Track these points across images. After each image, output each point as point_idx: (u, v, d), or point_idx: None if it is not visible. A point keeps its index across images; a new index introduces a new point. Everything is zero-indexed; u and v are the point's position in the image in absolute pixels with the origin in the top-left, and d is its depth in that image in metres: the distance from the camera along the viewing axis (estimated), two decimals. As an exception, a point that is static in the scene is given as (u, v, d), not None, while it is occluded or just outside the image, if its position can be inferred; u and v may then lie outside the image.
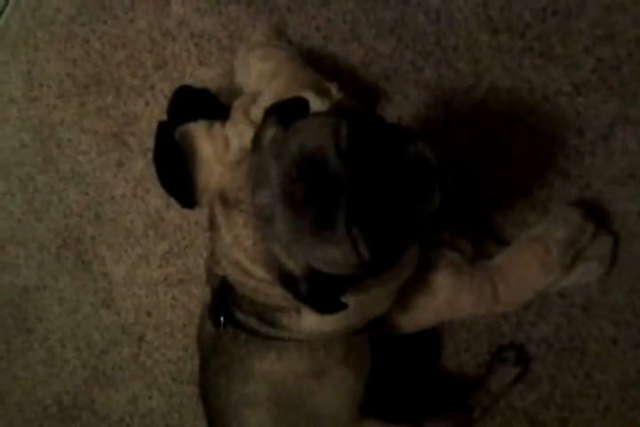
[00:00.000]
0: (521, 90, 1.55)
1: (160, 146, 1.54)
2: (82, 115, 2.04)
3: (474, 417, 1.58)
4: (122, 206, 2.00)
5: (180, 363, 1.98)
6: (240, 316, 1.29)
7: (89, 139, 2.03)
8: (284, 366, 1.32)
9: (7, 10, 2.12)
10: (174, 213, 1.93)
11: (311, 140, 1.00)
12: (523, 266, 1.46)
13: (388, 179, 0.97)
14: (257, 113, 1.49)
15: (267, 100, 1.48)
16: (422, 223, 1.02)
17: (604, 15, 1.47)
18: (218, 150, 1.53)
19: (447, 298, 1.44)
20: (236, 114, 1.55)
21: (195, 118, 1.57)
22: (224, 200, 1.12)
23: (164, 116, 1.63)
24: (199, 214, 1.86)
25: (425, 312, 1.47)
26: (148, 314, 2.00)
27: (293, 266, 1.05)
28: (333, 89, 1.54)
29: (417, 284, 1.42)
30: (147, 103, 1.94)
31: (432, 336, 1.65)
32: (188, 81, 1.87)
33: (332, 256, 1.00)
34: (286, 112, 1.10)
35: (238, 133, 1.51)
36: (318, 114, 1.18)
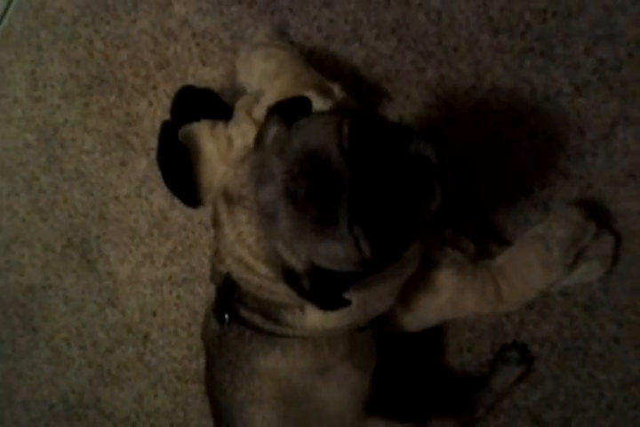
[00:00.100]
0: (522, 90, 1.55)
1: (164, 146, 1.54)
2: (85, 115, 2.04)
3: (477, 416, 1.59)
4: (126, 206, 2.01)
5: (185, 362, 1.99)
6: (244, 313, 1.29)
7: (92, 139, 2.04)
8: (289, 362, 1.33)
9: (11, 10, 2.12)
10: (178, 212, 1.94)
11: (314, 139, 1.01)
12: (525, 265, 1.46)
13: (389, 177, 0.98)
14: (260, 113, 1.49)
15: (269, 99, 1.49)
16: (423, 221, 1.04)
17: (605, 16, 1.47)
18: (221, 150, 1.54)
19: (450, 297, 1.45)
20: (239, 113, 1.56)
21: (198, 118, 1.58)
22: (227, 197, 1.12)
23: (167, 116, 1.64)
24: (203, 214, 1.87)
25: (428, 311, 1.47)
26: (153, 313, 2.01)
27: (296, 263, 1.06)
28: (335, 89, 1.54)
29: (420, 282, 1.42)
30: (150, 103, 1.95)
31: (435, 335, 1.65)
32: (190, 81, 1.87)
33: (334, 253, 1.01)
34: (289, 110, 1.11)
35: (241, 133, 1.52)
36: (321, 113, 1.19)
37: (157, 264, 1.99)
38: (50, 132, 2.10)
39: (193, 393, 1.99)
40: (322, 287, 1.07)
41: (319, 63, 1.69)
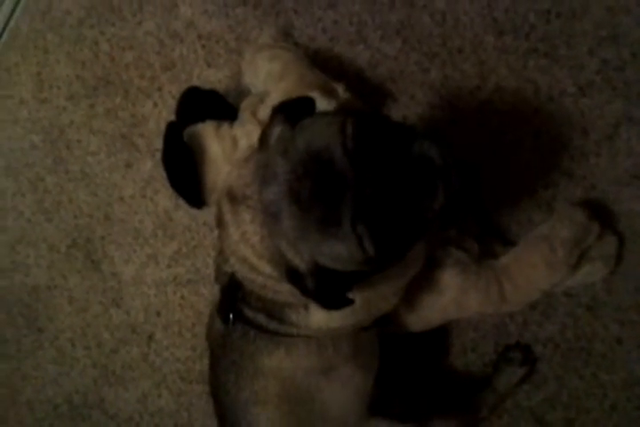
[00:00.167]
0: (526, 91, 1.56)
1: (169, 146, 1.55)
2: (91, 116, 2.05)
3: (480, 417, 1.59)
4: (131, 207, 2.01)
5: (189, 362, 1.99)
6: (249, 313, 1.30)
7: (98, 140, 2.05)
8: (293, 361, 1.33)
9: (17, 12, 2.14)
10: (183, 213, 1.94)
11: (317, 139, 1.02)
12: (529, 266, 1.46)
13: (393, 176, 0.98)
14: (265, 113, 1.50)
15: (274, 100, 1.49)
16: (427, 220, 1.04)
17: (608, 16, 1.48)
18: (226, 150, 1.54)
19: (454, 297, 1.45)
20: (244, 114, 1.56)
21: (203, 119, 1.59)
22: (232, 197, 1.12)
23: (172, 117, 1.64)
24: (207, 215, 1.87)
25: (432, 310, 1.48)
26: (158, 313, 2.02)
27: (299, 262, 1.06)
28: (340, 89, 1.55)
29: (424, 282, 1.42)
30: (155, 104, 1.96)
31: (439, 335, 1.66)
32: (195, 82, 1.88)
33: (338, 252, 1.01)
34: (293, 111, 1.11)
35: (246, 134, 1.52)
36: (325, 113, 1.19)
37: (162, 265, 2.00)
38: (55, 133, 2.10)
39: (197, 394, 1.99)
40: (325, 287, 1.07)
41: (324, 64, 1.69)
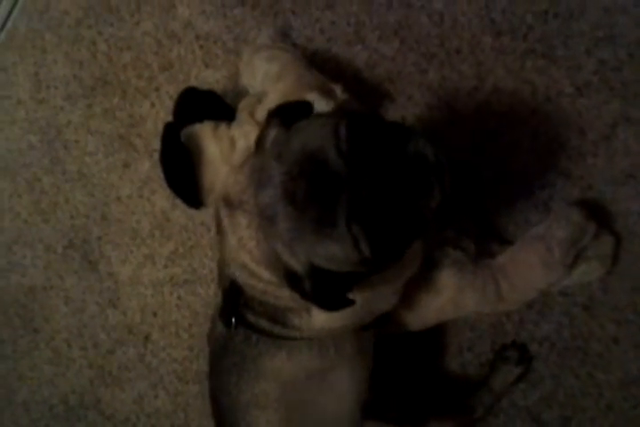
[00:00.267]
0: (523, 91, 1.56)
1: (166, 147, 1.54)
2: (88, 116, 2.05)
3: (476, 417, 1.59)
4: (128, 207, 2.01)
5: (186, 362, 1.99)
6: (251, 317, 1.30)
7: (95, 140, 2.04)
8: (295, 364, 1.33)
9: (15, 12, 2.13)
10: (180, 213, 1.94)
11: (312, 140, 1.02)
12: (525, 265, 1.47)
13: (387, 176, 0.98)
14: (262, 114, 1.49)
15: (272, 101, 1.49)
16: (423, 219, 1.03)
17: (605, 17, 1.49)
18: (224, 151, 1.54)
19: (451, 296, 1.45)
20: (242, 115, 1.56)
21: (200, 120, 1.58)
22: (228, 203, 1.13)
23: (169, 118, 1.64)
24: (205, 215, 1.88)
25: (429, 310, 1.48)
26: (154, 314, 2.01)
27: (296, 264, 1.06)
28: (338, 90, 1.55)
29: (422, 282, 1.43)
30: (152, 105, 1.96)
31: (436, 335, 1.66)
32: (193, 83, 1.88)
33: (333, 253, 1.01)
34: (288, 114, 1.12)
35: (244, 134, 1.51)
36: (319, 115, 1.19)
37: (159, 265, 1.99)
38: (53, 133, 2.10)
39: (194, 394, 1.99)
40: (323, 288, 1.07)
41: (322, 65, 1.70)
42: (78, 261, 2.10)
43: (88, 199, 2.07)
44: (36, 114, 2.13)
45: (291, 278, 1.08)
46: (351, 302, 1.11)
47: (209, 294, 1.92)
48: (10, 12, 2.14)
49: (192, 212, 1.85)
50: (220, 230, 1.20)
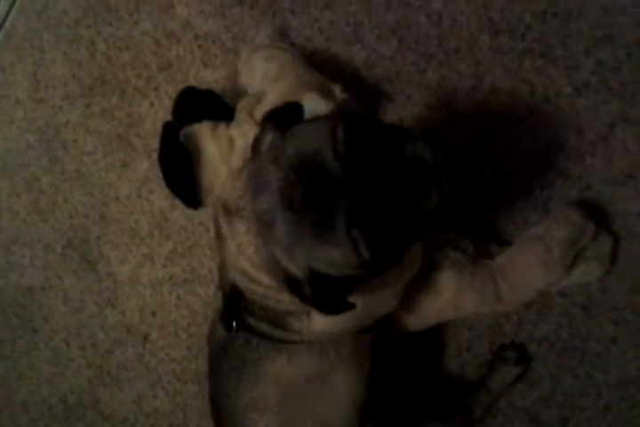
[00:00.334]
0: (522, 91, 1.56)
1: (165, 147, 1.54)
2: (87, 116, 2.05)
3: (474, 418, 1.59)
4: (127, 207, 2.01)
5: (185, 362, 1.99)
6: (252, 321, 1.29)
7: (94, 140, 2.04)
8: (295, 368, 1.33)
9: (13, 12, 2.13)
10: (179, 213, 1.94)
11: (308, 144, 1.01)
12: (524, 266, 1.47)
13: (386, 179, 0.98)
14: (261, 114, 1.49)
15: (271, 100, 1.50)
16: (422, 222, 1.03)
17: (604, 17, 1.49)
18: (222, 151, 1.54)
19: (451, 297, 1.45)
20: (241, 115, 1.56)
21: (199, 119, 1.58)
22: (226, 210, 1.12)
23: (168, 117, 1.64)
24: (203, 215, 1.88)
25: (429, 311, 1.48)
26: (153, 314, 2.01)
27: (295, 269, 1.05)
28: (337, 90, 1.54)
29: (422, 283, 1.43)
30: (151, 104, 1.96)
31: (435, 335, 1.66)
32: (192, 82, 1.88)
33: (332, 257, 1.01)
34: (283, 117, 1.11)
35: (243, 134, 1.51)
36: (315, 118, 1.18)
37: (157, 265, 1.99)
38: (51, 133, 2.10)
39: (192, 394, 1.99)
40: (323, 292, 1.06)
41: (320, 64, 1.70)
42: (77, 260, 2.10)
43: (87, 199, 2.06)
44: (34, 113, 2.12)
45: (290, 283, 1.07)
46: (351, 306, 1.10)
47: (208, 294, 1.92)
48: (8, 12, 2.13)
49: (191, 211, 1.84)
50: (219, 236, 1.19)
